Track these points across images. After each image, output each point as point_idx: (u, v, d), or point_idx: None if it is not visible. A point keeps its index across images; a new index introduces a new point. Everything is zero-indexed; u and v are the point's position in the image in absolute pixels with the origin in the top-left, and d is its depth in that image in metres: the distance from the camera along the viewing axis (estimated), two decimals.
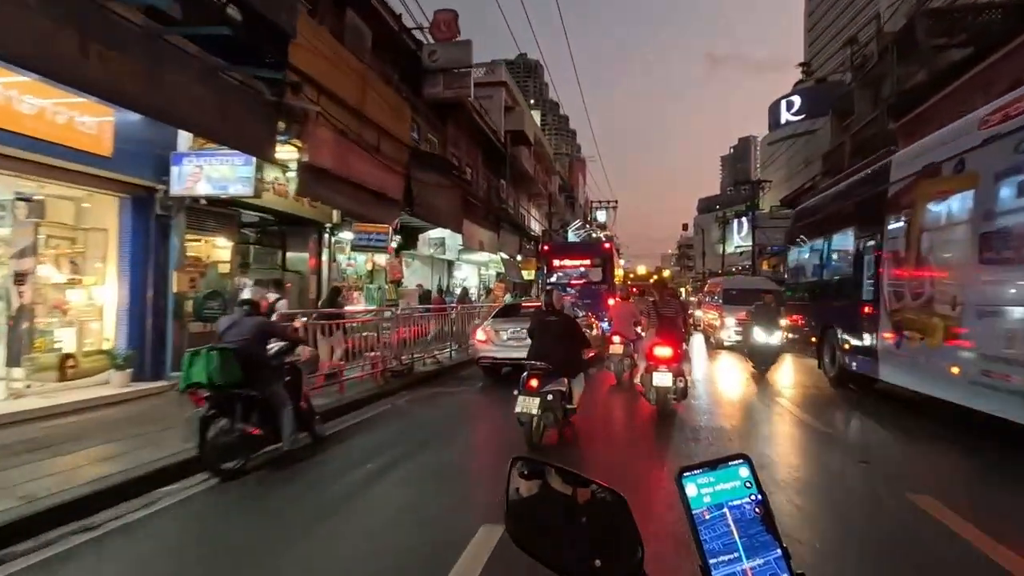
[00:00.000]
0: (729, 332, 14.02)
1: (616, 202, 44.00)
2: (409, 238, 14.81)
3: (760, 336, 10.22)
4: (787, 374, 10.82)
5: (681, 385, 6.95)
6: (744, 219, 57.56)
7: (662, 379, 6.71)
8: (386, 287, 14.44)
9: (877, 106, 22.87)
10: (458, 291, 19.25)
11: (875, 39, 23.26)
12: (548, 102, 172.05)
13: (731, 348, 14.22)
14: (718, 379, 10.39)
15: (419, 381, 9.28)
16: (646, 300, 15.86)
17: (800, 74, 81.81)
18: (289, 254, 11.14)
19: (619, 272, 21.54)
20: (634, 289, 18.38)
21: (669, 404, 6.84)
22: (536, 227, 31.08)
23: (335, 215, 10.92)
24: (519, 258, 22.41)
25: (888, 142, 19.40)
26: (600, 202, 45.57)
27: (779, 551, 0.74)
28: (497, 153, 23.68)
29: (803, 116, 60.71)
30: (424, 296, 15.57)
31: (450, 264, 18.69)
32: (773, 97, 71.30)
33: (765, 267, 34.42)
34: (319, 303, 10.67)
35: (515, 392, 5.33)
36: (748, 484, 0.78)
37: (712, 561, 0.71)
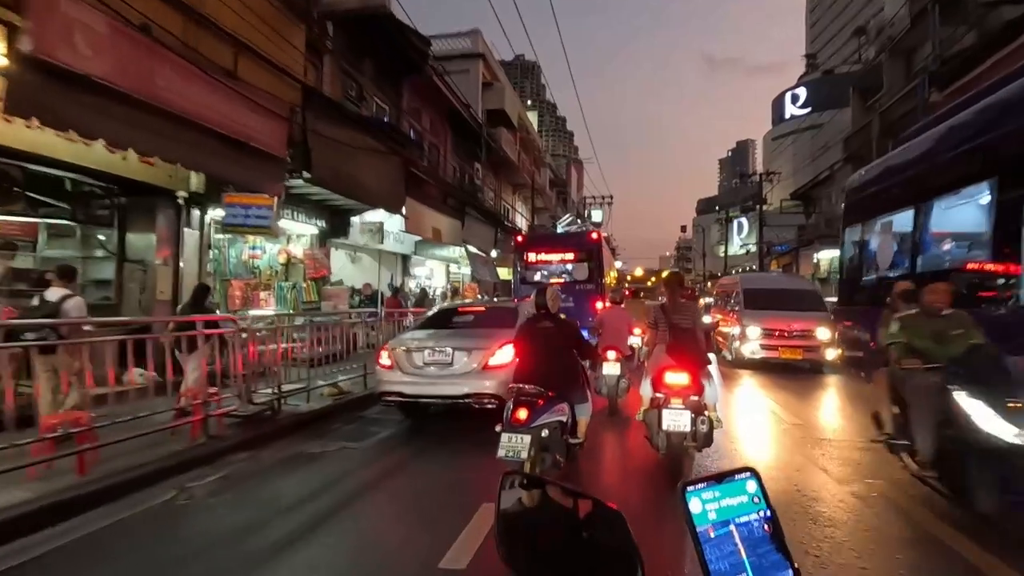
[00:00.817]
0: (752, 346, 10.62)
1: (611, 197, 40.59)
2: (339, 221, 11.45)
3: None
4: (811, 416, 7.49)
5: (704, 428, 4.50)
6: (744, 220, 54.58)
7: (676, 420, 4.39)
8: (303, 285, 11.05)
9: (910, 79, 19.78)
10: (415, 293, 15.89)
11: (906, 3, 20.07)
12: (546, 103, 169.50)
13: (755, 368, 10.83)
14: (744, 422, 7.05)
15: (287, 428, 5.92)
16: (645, 304, 12.54)
17: (804, 68, 79.13)
18: (131, 236, 7.76)
19: (612, 273, 18.06)
20: (628, 292, 15.16)
21: (685, 453, 4.58)
22: (522, 223, 27.72)
23: (193, 180, 7.53)
24: (494, 254, 19.01)
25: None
26: (594, 198, 42.22)
27: (791, 572, 0.71)
28: (472, 134, 20.36)
29: (809, 109, 57.80)
30: (370, 299, 12.22)
31: (405, 259, 15.30)
32: (772, 100, 68.57)
33: (775, 267, 31.30)
34: (177, 307, 7.34)
35: (497, 428, 3.93)
36: (756, 499, 0.75)
37: None
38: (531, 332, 4.56)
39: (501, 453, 3.77)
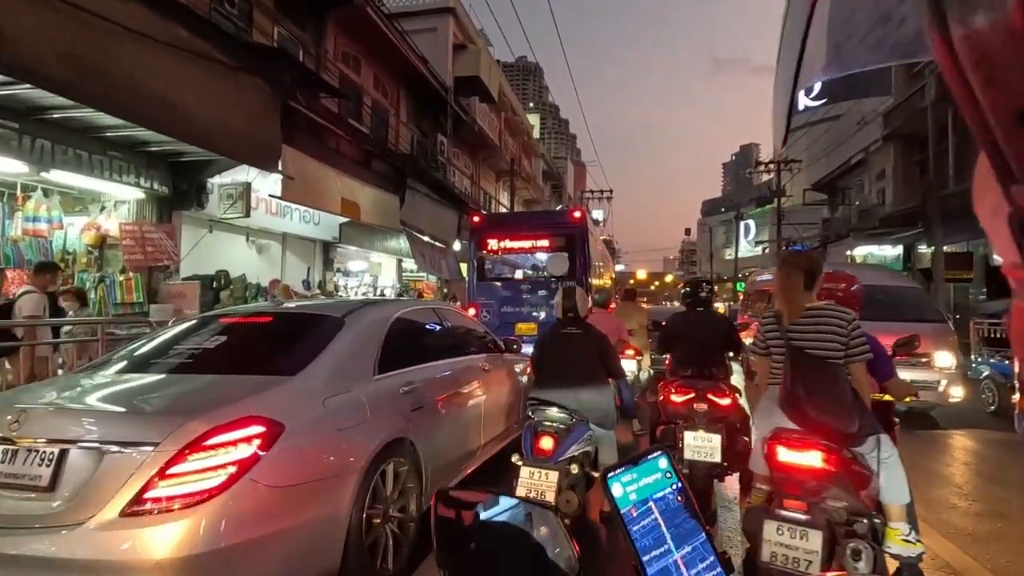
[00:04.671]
0: None
1: (611, 191, 36.79)
2: (188, 182, 7.66)
3: None
4: None
5: (863, 569, 2.06)
6: (751, 221, 50.85)
7: (791, 545, 2.19)
8: (118, 279, 7.26)
9: None
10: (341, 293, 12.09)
11: None
12: (548, 106, 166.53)
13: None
14: None
15: None
16: (645, 309, 8.73)
17: None
18: None
19: (610, 274, 14.12)
20: (618, 292, 11.37)
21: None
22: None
23: None
24: (457, 246, 15.17)
25: None
26: (592, 192, 38.43)
27: (703, 535, 0.77)
28: (436, 100, 16.61)
29: (824, 100, 54.16)
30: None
31: (327, 248, 11.50)
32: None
33: None
34: None
35: (515, 460, 3.11)
36: (668, 475, 0.81)
37: (645, 558, 0.73)
38: (557, 339, 3.72)
39: (521, 492, 2.98)
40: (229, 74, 6.51)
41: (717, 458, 3.40)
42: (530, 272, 10.52)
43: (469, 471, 3.67)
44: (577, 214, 10.13)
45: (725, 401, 3.58)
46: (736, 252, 42.82)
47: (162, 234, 7.55)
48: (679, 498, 0.79)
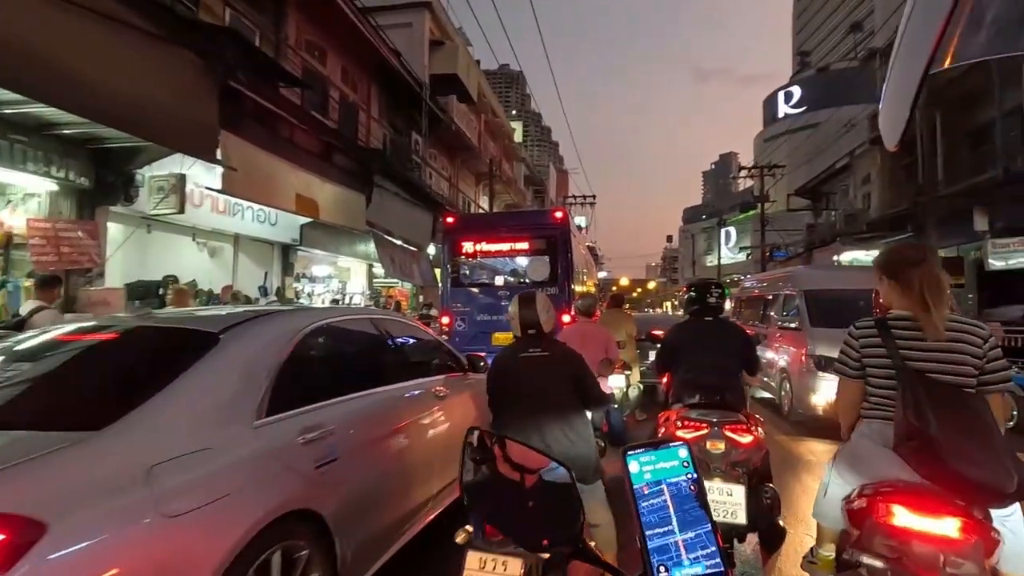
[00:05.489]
0: (831, 392, 5.98)
1: (594, 197, 36.20)
2: (114, 174, 6.66)
3: None
4: None
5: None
6: (732, 228, 50.78)
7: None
8: (23, 284, 6.24)
9: None
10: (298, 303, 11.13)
11: None
12: (530, 113, 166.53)
13: (833, 434, 6.18)
14: None
15: None
16: (630, 316, 8.00)
17: (794, 68, 76.55)
18: None
19: (590, 279, 13.36)
20: (604, 298, 10.66)
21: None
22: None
23: None
24: (432, 250, 14.25)
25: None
26: (575, 197, 37.82)
27: (709, 526, 0.82)
28: (410, 97, 15.75)
29: (803, 108, 54.54)
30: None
31: (286, 251, 10.51)
32: (759, 113, 66.07)
33: None
34: None
35: (459, 538, 1.39)
36: (686, 464, 0.86)
37: (648, 532, 0.80)
38: (510, 367, 2.74)
39: None
40: (152, 44, 5.56)
41: (741, 518, 2.57)
42: (510, 277, 9.68)
43: (406, 539, 2.74)
44: (559, 214, 9.34)
45: (746, 439, 2.76)
46: (719, 259, 42.54)
47: (82, 232, 6.52)
48: (692, 487, 0.84)
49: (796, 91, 54.41)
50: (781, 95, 55.82)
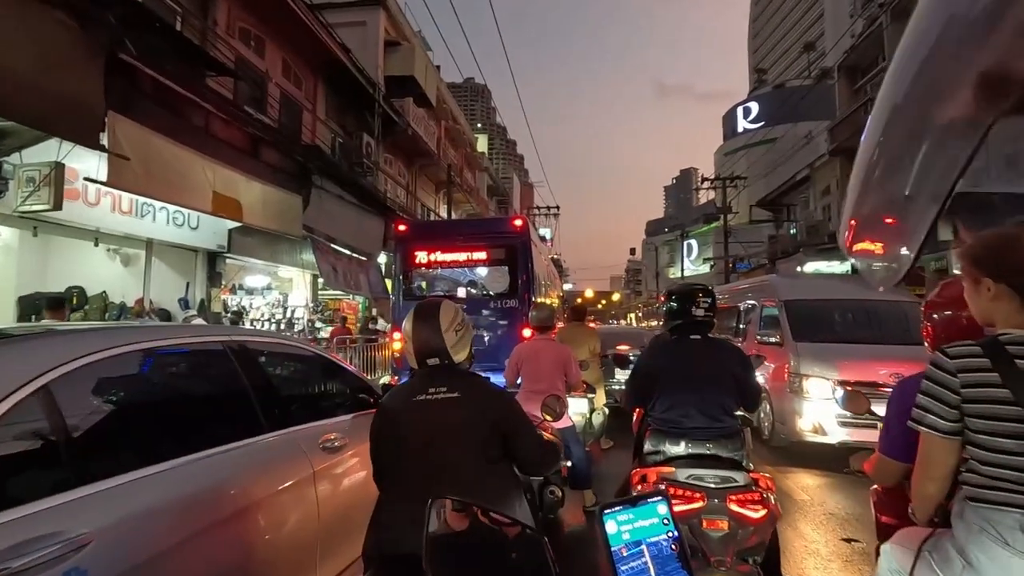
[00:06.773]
0: (819, 415, 5.26)
1: (558, 208, 35.76)
2: None
3: None
4: None
5: None
6: (694, 241, 51.33)
7: None
8: None
9: None
10: (229, 315, 9.96)
11: None
12: (496, 126, 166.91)
13: (819, 462, 5.44)
14: None
15: None
16: (594, 331, 7.16)
17: (751, 85, 79.00)
18: None
19: (554, 292, 12.58)
20: (565, 311, 9.95)
21: None
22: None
23: None
24: (383, 259, 13.18)
25: None
26: (539, 208, 37.28)
27: None
28: (360, 96, 14.75)
29: (762, 123, 55.96)
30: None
31: (212, 259, 9.30)
32: (718, 129, 67.78)
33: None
34: None
35: None
36: (666, 521, 0.81)
37: None
38: (398, 419, 1.76)
39: None
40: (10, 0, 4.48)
41: None
42: (472, 289, 8.82)
43: None
44: (518, 222, 8.53)
45: (758, 513, 1.91)
46: (682, 271, 42.73)
47: None
48: (673, 547, 0.79)
49: (754, 107, 55.82)
50: (740, 110, 57.19)
